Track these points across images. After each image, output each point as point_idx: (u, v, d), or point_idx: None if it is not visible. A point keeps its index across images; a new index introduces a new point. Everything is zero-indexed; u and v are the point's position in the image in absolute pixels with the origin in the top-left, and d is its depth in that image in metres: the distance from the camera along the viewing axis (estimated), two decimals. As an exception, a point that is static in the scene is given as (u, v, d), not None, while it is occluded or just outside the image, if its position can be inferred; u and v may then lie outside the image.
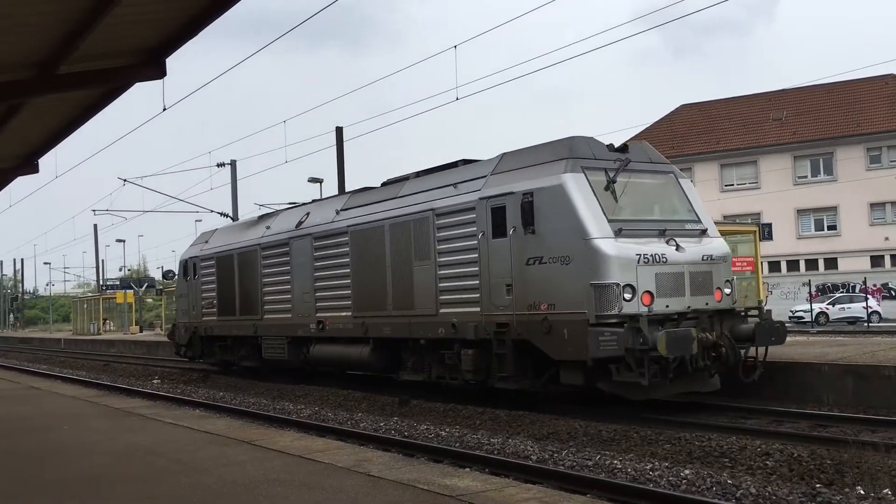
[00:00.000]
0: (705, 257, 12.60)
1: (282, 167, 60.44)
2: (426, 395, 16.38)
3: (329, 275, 17.25)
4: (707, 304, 12.42)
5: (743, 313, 13.01)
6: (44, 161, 17.09)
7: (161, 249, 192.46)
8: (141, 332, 50.56)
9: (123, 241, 71.80)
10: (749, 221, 35.88)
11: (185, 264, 24.33)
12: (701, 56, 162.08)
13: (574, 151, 12.63)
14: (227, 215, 38.91)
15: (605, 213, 12.04)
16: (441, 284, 14.17)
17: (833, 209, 47.29)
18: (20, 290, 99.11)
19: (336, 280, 17.00)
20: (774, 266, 46.36)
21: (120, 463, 7.51)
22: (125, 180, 36.17)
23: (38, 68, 10.22)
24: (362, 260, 16.15)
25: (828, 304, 39.74)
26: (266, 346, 19.71)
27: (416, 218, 14.73)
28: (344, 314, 16.67)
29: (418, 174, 16.20)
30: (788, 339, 20.26)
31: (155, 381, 22.59)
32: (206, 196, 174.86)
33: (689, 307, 12.19)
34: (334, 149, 35.22)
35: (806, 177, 48.04)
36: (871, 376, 12.50)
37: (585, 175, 12.29)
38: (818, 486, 7.67)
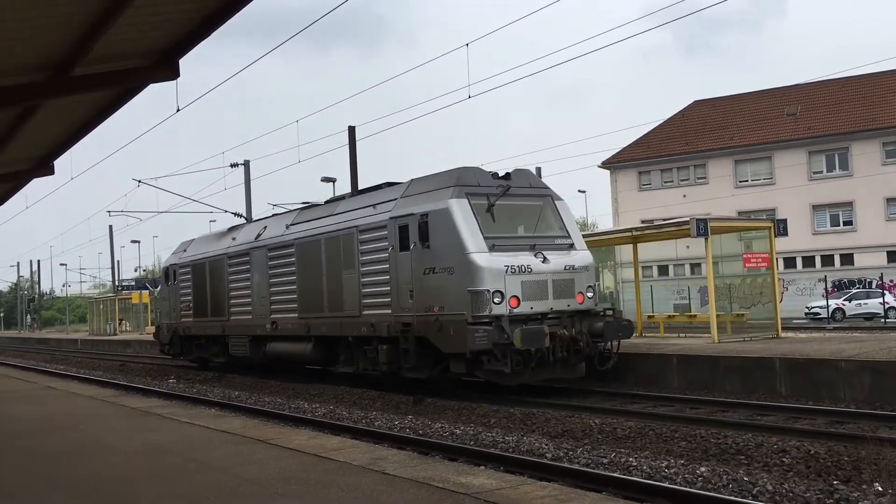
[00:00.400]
0: (568, 267, 14.87)
1: (295, 167, 60.61)
2: (440, 393, 16.40)
3: (280, 281, 19.74)
4: (569, 305, 14.70)
5: (601, 313, 15.39)
6: (59, 162, 17.20)
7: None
8: (156, 332, 50.78)
9: (138, 241, 72.25)
10: (764, 217, 35.67)
11: (166, 271, 27.25)
12: (712, 52, 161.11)
13: (460, 180, 14.97)
14: (240, 215, 39.04)
15: (482, 232, 14.32)
16: (363, 290, 16.57)
17: (849, 204, 46.90)
18: (37, 291, 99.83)
19: (285, 286, 19.49)
20: (790, 262, 46.04)
21: (137, 462, 7.55)
22: (139, 181, 36.33)
23: (52, 70, 10.27)
24: (305, 269, 18.71)
25: (844, 300, 39.42)
26: (232, 344, 22.27)
27: (344, 234, 17.24)
28: (291, 315, 19.16)
29: (352, 194, 19.09)
30: (805, 335, 20.24)
31: (171, 381, 22.71)
32: (219, 196, 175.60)
33: (551, 309, 14.47)
34: (347, 148, 35.25)
35: (821, 172, 47.67)
36: (888, 372, 12.41)
37: (468, 200, 14.60)
38: (835, 482, 7.62)
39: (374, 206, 16.75)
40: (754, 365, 14.28)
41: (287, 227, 20.00)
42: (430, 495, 5.57)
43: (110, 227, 63.63)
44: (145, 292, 56.43)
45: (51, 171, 17.26)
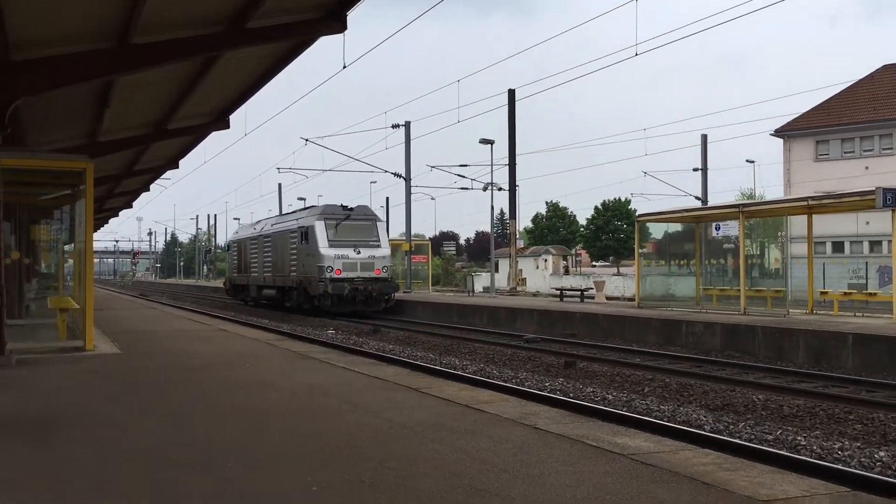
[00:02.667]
0: (370, 256, 29.80)
1: (455, 127, 61.00)
2: (591, 358, 16.09)
3: (266, 255, 35.34)
4: (370, 276, 29.49)
5: (388, 280, 30.25)
6: (234, 119, 18.08)
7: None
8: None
9: (304, 199, 75.25)
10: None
11: (227, 244, 48.18)
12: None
13: (324, 211, 30.59)
14: (399, 175, 39.80)
15: (328, 238, 29.33)
16: (290, 263, 31.97)
17: None
18: (213, 243, 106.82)
19: (268, 258, 35.08)
20: None
21: (294, 399, 7.81)
22: (307, 140, 37.92)
23: (228, 23, 10.69)
24: (274, 250, 34.30)
25: None
26: (251, 290, 38.12)
27: (286, 232, 32.81)
28: (270, 274, 34.84)
29: (301, 209, 35.63)
30: None
31: (330, 332, 23.64)
32: (381, 156, 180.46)
33: (358, 276, 29.20)
34: (506, 109, 35.01)
35: None
36: None
37: (325, 222, 29.74)
38: None
39: (296, 219, 32.67)
40: (944, 349, 12.98)
41: (272, 225, 36.21)
42: (582, 452, 5.37)
43: (279, 184, 66.86)
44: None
45: (226, 126, 18.17)
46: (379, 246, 30.25)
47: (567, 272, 57.83)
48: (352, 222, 30.14)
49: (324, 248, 29.06)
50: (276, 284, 33.64)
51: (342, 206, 31.01)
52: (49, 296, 16.66)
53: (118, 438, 6.06)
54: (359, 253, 29.36)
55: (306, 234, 29.97)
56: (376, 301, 29.57)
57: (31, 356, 11.13)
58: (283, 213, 37.16)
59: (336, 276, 28.73)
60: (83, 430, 6.40)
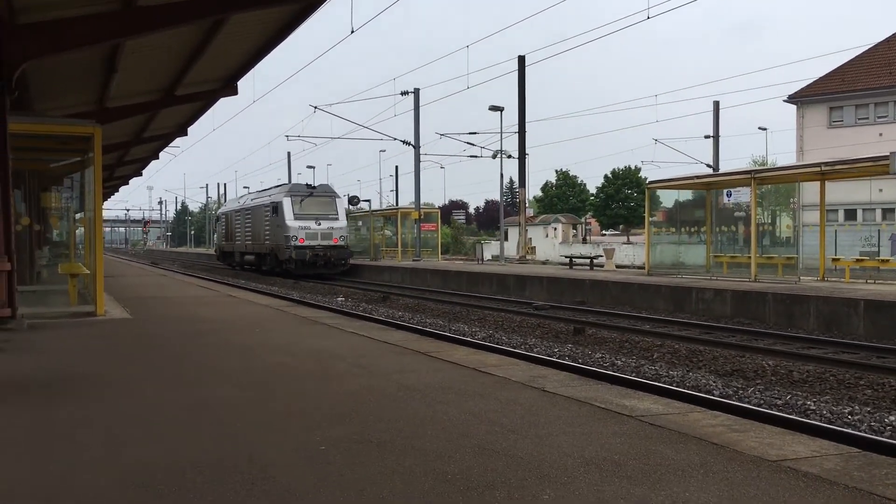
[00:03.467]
0: (329, 227, 34.89)
1: (464, 94, 60.53)
2: (600, 325, 16.08)
3: (248, 226, 40.02)
4: (328, 244, 34.61)
5: (345, 248, 35.65)
6: (242, 87, 17.96)
7: (347, 177, 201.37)
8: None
9: (313, 167, 75.27)
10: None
11: (217, 217, 53.89)
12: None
13: (290, 190, 36.48)
14: (408, 143, 39.65)
15: (293, 211, 34.63)
16: (264, 233, 36.88)
17: None
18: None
19: (248, 228, 39.93)
20: None
21: (303, 363, 7.82)
22: (315, 107, 37.74)
23: (235, -15, 10.56)
24: (253, 221, 39.08)
25: None
26: (236, 256, 42.93)
27: (262, 206, 37.56)
28: (250, 242, 39.70)
29: (274, 187, 40.61)
30: None
31: (339, 300, 23.69)
32: (389, 123, 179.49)
33: (319, 244, 34.35)
34: (516, 75, 34.72)
35: None
36: None
37: (291, 197, 35.17)
38: None
39: (270, 195, 37.77)
40: (957, 316, 12.89)
41: (251, 200, 41.46)
42: (591, 414, 5.36)
43: (288, 153, 66.71)
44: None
45: (234, 92, 18.05)
46: (337, 219, 35.63)
47: (585, 241, 57.69)
48: (314, 198, 35.43)
49: (290, 220, 34.29)
50: (254, 251, 39.06)
51: (307, 184, 37.71)
52: (60, 263, 16.74)
53: (128, 399, 6.08)
54: (319, 224, 34.55)
55: (276, 208, 35.21)
56: (334, 265, 34.66)
57: (43, 321, 11.20)
58: (260, 189, 44.20)
59: (300, 244, 33.88)
60: (93, 391, 6.43)
